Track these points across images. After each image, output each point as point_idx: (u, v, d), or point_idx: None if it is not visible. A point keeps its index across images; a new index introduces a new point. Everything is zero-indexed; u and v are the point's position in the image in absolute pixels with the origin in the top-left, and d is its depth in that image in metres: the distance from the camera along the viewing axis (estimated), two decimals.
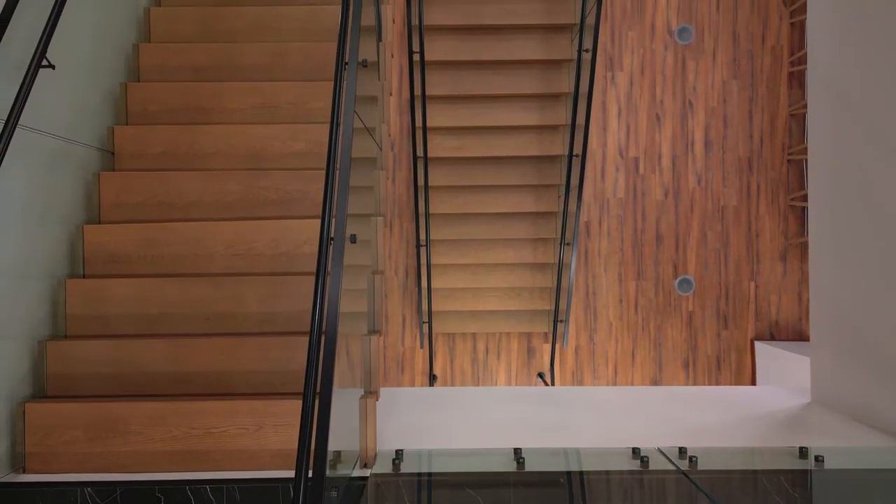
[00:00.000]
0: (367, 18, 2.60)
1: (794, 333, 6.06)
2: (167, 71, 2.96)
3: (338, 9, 3.09)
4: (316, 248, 2.47)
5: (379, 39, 3.03)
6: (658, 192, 6.07)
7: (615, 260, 6.07)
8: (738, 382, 6.05)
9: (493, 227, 5.46)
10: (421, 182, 4.77)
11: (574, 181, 4.62)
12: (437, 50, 4.67)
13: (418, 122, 4.70)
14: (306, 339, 2.18)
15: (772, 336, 6.07)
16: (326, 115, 2.82)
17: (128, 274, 2.45)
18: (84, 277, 2.45)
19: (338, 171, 1.82)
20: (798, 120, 5.97)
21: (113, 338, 2.29)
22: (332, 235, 1.81)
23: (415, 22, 4.26)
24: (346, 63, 2.13)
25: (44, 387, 2.24)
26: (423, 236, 5.02)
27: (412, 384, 6.04)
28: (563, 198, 5.11)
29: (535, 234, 5.48)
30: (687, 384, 6.08)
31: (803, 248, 6.00)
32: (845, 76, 2.73)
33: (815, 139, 3.01)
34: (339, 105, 2.02)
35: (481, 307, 5.77)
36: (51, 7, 2.22)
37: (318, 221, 2.48)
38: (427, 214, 4.83)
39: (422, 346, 5.59)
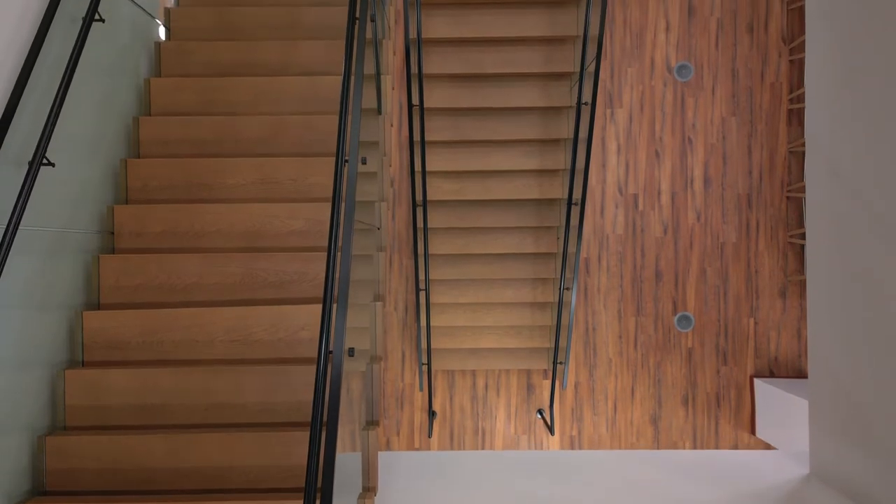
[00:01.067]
0: (368, 66, 2.60)
1: (793, 370, 6.07)
2: (168, 144, 2.96)
3: (336, 80, 3.10)
4: (314, 334, 2.48)
5: (379, 112, 3.04)
6: (657, 229, 6.08)
7: (615, 296, 6.08)
8: (738, 420, 6.06)
9: (493, 268, 5.47)
10: (420, 223, 4.78)
11: (574, 220, 4.61)
12: (436, 97, 4.68)
13: (417, 167, 4.71)
14: (306, 433, 2.20)
15: (771, 372, 6.07)
16: (325, 191, 2.83)
17: (127, 361, 2.46)
18: (83, 365, 2.46)
19: (335, 306, 1.81)
20: (797, 157, 5.98)
21: (112, 430, 2.30)
22: (331, 349, 1.82)
23: (414, 70, 4.27)
24: (346, 160, 2.14)
25: (43, 482, 2.24)
26: (422, 272, 5.02)
27: (411, 421, 6.05)
28: (562, 239, 5.12)
29: (535, 274, 5.49)
30: (686, 422, 6.09)
31: (802, 285, 6.01)
32: (846, 161, 2.73)
33: (814, 221, 3.01)
34: (338, 207, 2.03)
35: (481, 345, 5.78)
36: (50, 101, 2.23)
37: (316, 306, 2.49)
38: (426, 256, 4.83)
39: (421, 389, 5.60)
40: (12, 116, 2.12)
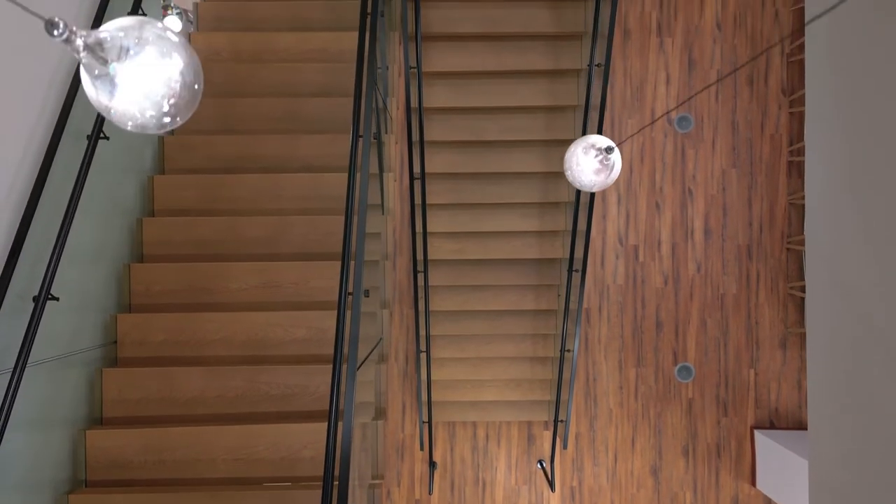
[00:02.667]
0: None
1: (794, 422, 6.07)
2: (171, 245, 2.99)
3: (338, 177, 3.12)
4: (316, 452, 2.50)
5: (383, 213, 3.07)
6: (658, 280, 6.09)
7: (615, 346, 6.09)
8: (738, 471, 6.07)
9: (493, 323, 5.48)
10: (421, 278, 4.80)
11: (575, 286, 4.63)
12: (438, 163, 4.70)
13: (418, 228, 4.73)
14: None
15: (772, 423, 6.08)
16: (328, 295, 2.85)
17: (130, 481, 2.47)
18: (86, 486, 2.47)
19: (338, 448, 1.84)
20: (797, 209, 5.99)
21: None
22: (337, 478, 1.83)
23: (415, 137, 4.29)
24: (350, 293, 2.16)
25: None
26: (421, 324, 5.04)
27: (412, 472, 6.06)
28: (563, 297, 5.14)
29: (535, 329, 5.51)
30: (686, 472, 6.09)
31: (802, 336, 6.02)
32: (846, 215, 2.72)
33: (814, 274, 3.00)
34: (341, 346, 2.04)
35: (482, 398, 5.80)
36: (54, 220, 2.25)
37: (319, 424, 2.51)
38: (427, 319, 4.85)
39: (422, 448, 5.61)
40: (19, 252, 2.14)
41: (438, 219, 4.98)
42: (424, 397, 5.45)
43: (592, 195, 4.32)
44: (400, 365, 6.02)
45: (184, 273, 2.86)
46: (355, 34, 3.57)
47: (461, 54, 4.32)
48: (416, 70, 3.63)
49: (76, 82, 2.47)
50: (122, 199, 2.97)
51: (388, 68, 3.56)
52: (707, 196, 6.09)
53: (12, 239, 2.14)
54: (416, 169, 4.03)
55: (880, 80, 2.46)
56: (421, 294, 4.71)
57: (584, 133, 4.50)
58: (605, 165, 1.92)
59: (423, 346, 4.92)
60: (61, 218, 2.29)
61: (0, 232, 2.17)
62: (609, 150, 1.87)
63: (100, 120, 2.49)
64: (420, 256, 4.52)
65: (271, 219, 3.01)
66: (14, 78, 2.29)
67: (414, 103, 3.93)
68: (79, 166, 2.43)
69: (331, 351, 2.55)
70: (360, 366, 2.10)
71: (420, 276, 4.72)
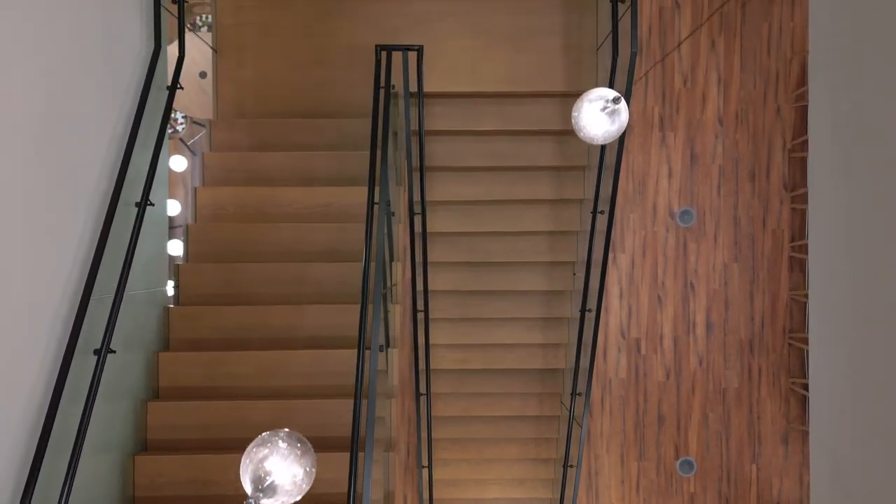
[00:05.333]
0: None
1: None
2: (175, 429, 2.98)
3: (344, 353, 3.13)
4: None
5: (390, 396, 3.07)
6: (660, 373, 6.09)
7: (617, 440, 6.09)
8: None
9: (497, 427, 5.49)
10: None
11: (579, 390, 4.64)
12: (442, 281, 4.71)
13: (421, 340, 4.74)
14: None
15: None
16: (334, 485, 2.84)
17: None
18: None
19: None
20: (799, 304, 6.00)
21: None
22: None
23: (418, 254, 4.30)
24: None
25: None
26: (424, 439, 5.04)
27: None
28: (566, 404, 5.14)
29: (538, 434, 5.52)
30: None
31: (804, 433, 6.03)
32: (850, 322, 2.71)
33: (817, 377, 2.98)
34: None
35: (485, 495, 5.81)
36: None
37: None
38: (430, 440, 4.85)
39: None
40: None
41: (442, 331, 4.99)
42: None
43: (596, 328, 4.31)
44: (401, 457, 6.01)
45: (188, 465, 2.85)
46: (360, 188, 3.60)
47: (467, 182, 4.34)
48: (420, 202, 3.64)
49: (84, 305, 2.47)
50: (128, 380, 2.96)
51: (393, 214, 3.57)
52: (709, 290, 6.10)
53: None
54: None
55: (885, 182, 2.42)
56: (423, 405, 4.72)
57: (588, 256, 4.50)
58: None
59: (425, 461, 4.92)
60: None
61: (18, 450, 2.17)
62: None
63: (107, 340, 2.49)
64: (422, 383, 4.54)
65: (276, 402, 3.01)
66: (23, 302, 2.29)
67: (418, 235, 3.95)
68: (89, 384, 2.44)
69: None
70: None
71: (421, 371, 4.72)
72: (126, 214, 2.83)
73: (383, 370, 3.15)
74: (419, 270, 3.93)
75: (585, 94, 2.17)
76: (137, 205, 2.86)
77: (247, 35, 3.97)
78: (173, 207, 5.92)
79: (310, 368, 3.12)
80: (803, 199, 5.89)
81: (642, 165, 6.06)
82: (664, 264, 6.07)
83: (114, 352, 2.55)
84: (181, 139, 5.62)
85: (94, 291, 2.53)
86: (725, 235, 6.07)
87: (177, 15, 3.27)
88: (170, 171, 3.84)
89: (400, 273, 3.44)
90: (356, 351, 2.79)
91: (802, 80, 5.97)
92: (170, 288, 3.40)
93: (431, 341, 4.82)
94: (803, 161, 5.95)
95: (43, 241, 2.40)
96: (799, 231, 5.97)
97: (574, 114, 2.21)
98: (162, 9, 3.15)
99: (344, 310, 3.25)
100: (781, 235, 6.04)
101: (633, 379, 6.06)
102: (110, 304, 2.57)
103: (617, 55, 3.32)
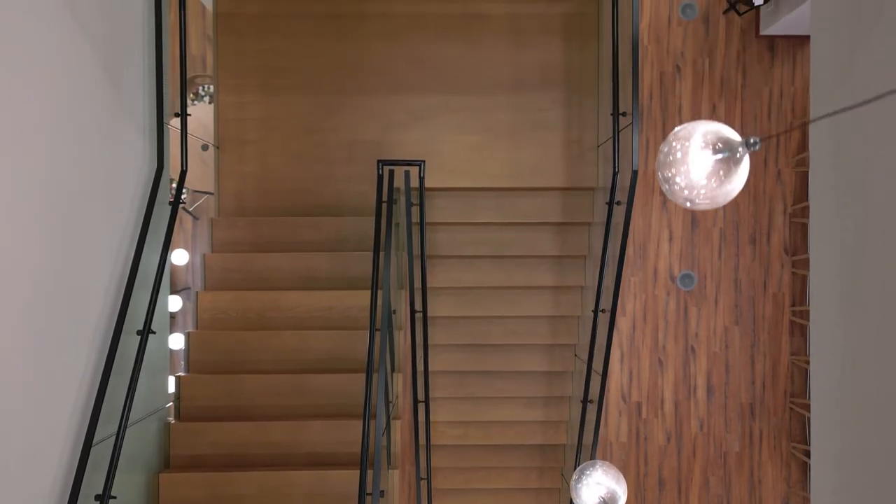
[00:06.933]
0: None
1: None
2: None
3: (345, 474, 3.12)
4: None
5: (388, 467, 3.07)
6: (661, 437, 6.08)
7: None
8: None
9: (496, 498, 5.48)
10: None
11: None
12: (441, 361, 4.70)
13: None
14: None
15: None
16: None
17: None
18: None
19: None
20: (800, 369, 6.00)
21: None
22: None
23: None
24: None
25: None
26: None
27: None
28: (567, 476, 5.13)
29: None
30: None
31: (805, 498, 6.02)
32: (850, 392, 2.68)
33: (819, 448, 2.96)
34: None
35: None
36: None
37: None
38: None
39: None
40: None
41: (442, 408, 4.99)
42: None
43: (599, 410, 4.30)
44: None
45: None
46: (359, 292, 3.60)
47: (467, 269, 4.34)
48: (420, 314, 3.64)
49: (86, 454, 2.47)
50: (130, 500, 2.96)
51: (394, 312, 3.56)
52: (710, 353, 6.10)
53: None
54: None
55: (883, 251, 2.38)
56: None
57: (591, 345, 4.49)
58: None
59: None
60: None
61: None
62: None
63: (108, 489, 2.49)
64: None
65: None
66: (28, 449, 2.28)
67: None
68: None
69: None
70: None
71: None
72: (126, 343, 2.82)
73: (384, 489, 3.14)
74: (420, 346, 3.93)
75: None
76: (139, 333, 2.85)
77: (248, 130, 3.97)
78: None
79: (312, 489, 3.11)
80: (804, 264, 5.89)
81: (643, 229, 6.06)
82: (665, 328, 6.07)
83: (115, 497, 2.54)
84: (183, 207, 5.62)
85: (96, 431, 2.53)
86: (726, 299, 6.07)
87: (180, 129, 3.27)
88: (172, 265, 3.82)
89: (400, 385, 3.44)
90: (358, 471, 2.79)
91: (803, 144, 5.98)
92: (171, 380, 3.40)
93: (432, 418, 4.82)
94: (804, 226, 5.95)
95: (44, 384, 2.39)
96: (800, 296, 5.97)
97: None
98: (165, 126, 3.15)
99: (345, 426, 3.24)
100: (782, 299, 6.04)
101: (633, 443, 6.05)
102: (110, 451, 2.56)
103: (617, 173, 3.32)
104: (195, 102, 5.41)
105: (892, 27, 2.16)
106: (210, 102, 5.41)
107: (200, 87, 5.49)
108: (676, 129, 1.27)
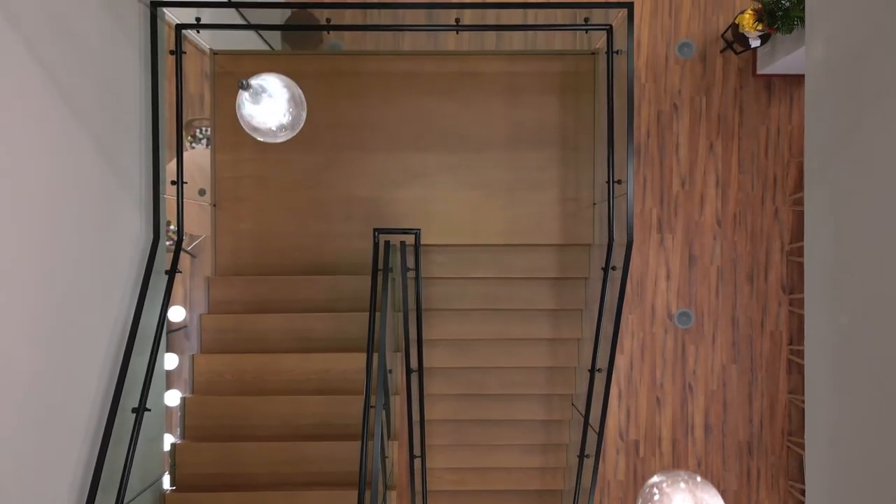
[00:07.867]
0: None
1: None
2: None
3: None
4: None
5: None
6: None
7: None
8: None
9: None
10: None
11: None
12: (439, 410, 4.69)
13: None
14: None
15: None
16: None
17: None
18: None
19: None
20: (798, 409, 6.00)
21: None
22: None
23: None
24: None
25: None
26: None
27: None
28: None
29: None
30: None
31: None
32: (847, 430, 2.66)
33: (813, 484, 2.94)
34: None
35: None
36: None
37: None
38: None
39: None
40: None
41: (440, 455, 4.98)
42: None
43: (596, 463, 4.30)
44: None
45: None
46: (355, 354, 3.59)
47: (463, 321, 4.33)
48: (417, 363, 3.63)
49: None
50: None
51: (390, 371, 3.56)
52: (707, 392, 6.09)
53: None
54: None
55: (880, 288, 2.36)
56: None
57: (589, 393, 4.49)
58: None
59: None
60: None
61: None
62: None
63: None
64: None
65: None
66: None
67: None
68: None
69: None
70: None
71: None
72: (122, 418, 2.82)
73: None
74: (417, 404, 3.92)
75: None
76: (134, 410, 2.85)
77: (245, 187, 3.96)
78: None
79: None
80: (801, 302, 5.88)
81: (640, 267, 6.06)
82: (663, 365, 6.07)
83: None
84: (183, 249, 5.62)
85: None
86: (724, 337, 6.06)
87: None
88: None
89: (395, 453, 3.43)
90: None
91: (800, 183, 5.98)
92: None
93: (428, 465, 4.82)
94: (801, 265, 5.95)
95: (38, 468, 2.39)
96: (797, 334, 5.96)
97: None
98: (162, 198, 3.16)
99: (340, 496, 3.24)
100: (780, 337, 6.04)
101: (631, 481, 6.04)
102: None
103: (612, 242, 3.32)
104: (193, 145, 5.41)
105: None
106: (207, 146, 5.39)
107: (198, 130, 5.49)
108: None
